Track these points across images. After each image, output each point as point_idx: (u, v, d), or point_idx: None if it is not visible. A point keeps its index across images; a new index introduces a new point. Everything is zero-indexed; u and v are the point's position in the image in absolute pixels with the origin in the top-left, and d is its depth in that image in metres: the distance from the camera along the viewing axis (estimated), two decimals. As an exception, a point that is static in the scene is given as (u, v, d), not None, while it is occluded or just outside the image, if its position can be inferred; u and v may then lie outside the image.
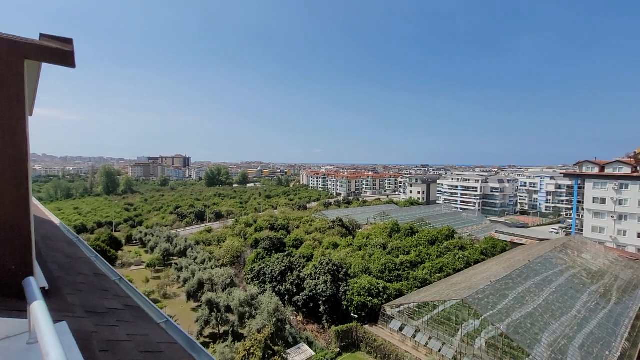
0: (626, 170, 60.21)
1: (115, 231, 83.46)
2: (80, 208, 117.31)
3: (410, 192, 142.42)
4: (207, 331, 35.02)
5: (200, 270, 44.88)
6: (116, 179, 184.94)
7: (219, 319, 34.02)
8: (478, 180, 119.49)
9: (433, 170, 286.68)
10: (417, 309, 31.36)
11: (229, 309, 34.90)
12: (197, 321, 34.05)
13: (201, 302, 36.98)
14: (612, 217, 60.87)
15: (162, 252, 57.83)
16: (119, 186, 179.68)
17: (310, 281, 37.28)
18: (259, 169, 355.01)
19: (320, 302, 35.34)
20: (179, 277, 46.39)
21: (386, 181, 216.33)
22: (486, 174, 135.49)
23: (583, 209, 65.27)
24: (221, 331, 35.17)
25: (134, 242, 74.16)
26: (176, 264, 51.11)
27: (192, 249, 58.36)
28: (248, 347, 28.84)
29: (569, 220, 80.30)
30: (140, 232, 73.43)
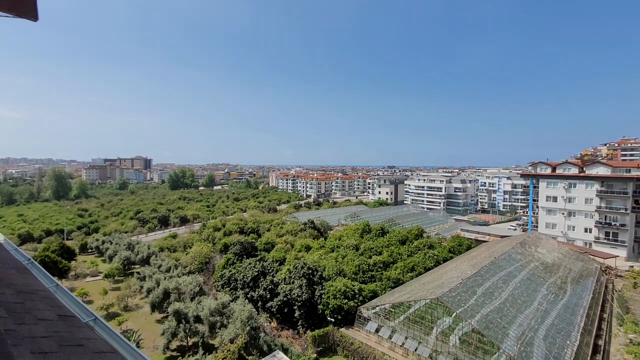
0: (574, 171, 65.60)
1: (67, 239, 76.65)
2: (26, 215, 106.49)
3: (379, 192, 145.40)
4: (175, 344, 32.85)
5: (165, 278, 42.22)
6: (67, 182, 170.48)
7: (187, 330, 32.02)
8: (443, 181, 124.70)
9: (399, 171, 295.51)
10: (392, 310, 31.58)
11: (198, 319, 33.01)
12: (163, 334, 31.78)
13: (167, 313, 34.65)
14: (563, 213, 65.99)
15: (122, 261, 53.75)
16: (70, 190, 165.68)
17: (285, 286, 36.32)
18: (226, 170, 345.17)
19: (295, 307, 34.51)
20: (141, 287, 43.33)
21: (355, 182, 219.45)
22: (449, 174, 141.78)
23: (538, 207, 70.13)
24: (190, 343, 33.14)
25: (90, 250, 68.46)
26: (138, 273, 47.72)
27: (156, 256, 54.93)
28: (220, 359, 27.39)
29: (525, 218, 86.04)
30: (97, 240, 67.95)
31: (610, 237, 60.66)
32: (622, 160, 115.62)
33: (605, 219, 61.30)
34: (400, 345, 28.56)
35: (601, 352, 28.58)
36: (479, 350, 25.56)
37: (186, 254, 55.84)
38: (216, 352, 29.09)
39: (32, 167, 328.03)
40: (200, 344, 31.45)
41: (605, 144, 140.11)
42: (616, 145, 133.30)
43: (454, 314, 27.34)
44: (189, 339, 32.87)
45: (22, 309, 2.25)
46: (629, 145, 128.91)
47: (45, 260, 46.82)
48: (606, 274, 49.53)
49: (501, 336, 25.13)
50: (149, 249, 57.82)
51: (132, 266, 55.76)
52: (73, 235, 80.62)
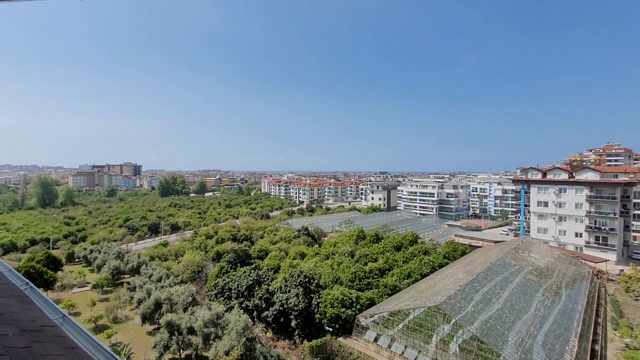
0: (564, 176, 66.73)
1: (53, 249, 74.22)
2: (9, 223, 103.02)
3: (372, 198, 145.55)
4: (167, 357, 31.69)
5: (156, 288, 41.00)
6: (53, 189, 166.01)
7: (180, 343, 30.95)
8: (435, 187, 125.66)
9: (391, 177, 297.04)
10: (390, 318, 31.15)
11: (191, 331, 31.99)
12: (154, 347, 30.63)
13: (159, 324, 33.54)
14: (554, 218, 66.88)
15: (111, 271, 52.17)
16: (57, 198, 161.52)
17: (281, 295, 35.59)
18: (217, 177, 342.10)
19: (292, 317, 33.80)
20: (131, 297, 41.99)
21: (347, 188, 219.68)
22: (441, 180, 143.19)
23: (529, 212, 70.96)
24: (183, 355, 32.05)
25: (77, 260, 66.37)
26: (128, 283, 46.25)
27: (147, 265, 53.50)
28: (215, 372, 26.49)
29: (516, 222, 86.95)
30: (85, 249, 65.93)
31: (600, 242, 61.61)
32: (607, 165, 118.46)
33: (595, 224, 62.30)
34: (400, 354, 28.11)
35: (598, 358, 28.63)
36: (479, 357, 25.28)
37: (178, 262, 54.56)
38: (211, 365, 28.17)
39: (17, 173, 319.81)
40: (193, 357, 30.51)
41: (591, 150, 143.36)
42: (601, 151, 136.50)
43: (453, 320, 27.10)
44: (181, 351, 31.77)
45: (31, 358, 1.84)
46: (614, 150, 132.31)
47: (30, 271, 45.07)
48: (598, 278, 50.12)
49: (501, 343, 24.94)
50: (139, 258, 56.32)
51: (122, 276, 54.16)
52: (59, 244, 78.21)
